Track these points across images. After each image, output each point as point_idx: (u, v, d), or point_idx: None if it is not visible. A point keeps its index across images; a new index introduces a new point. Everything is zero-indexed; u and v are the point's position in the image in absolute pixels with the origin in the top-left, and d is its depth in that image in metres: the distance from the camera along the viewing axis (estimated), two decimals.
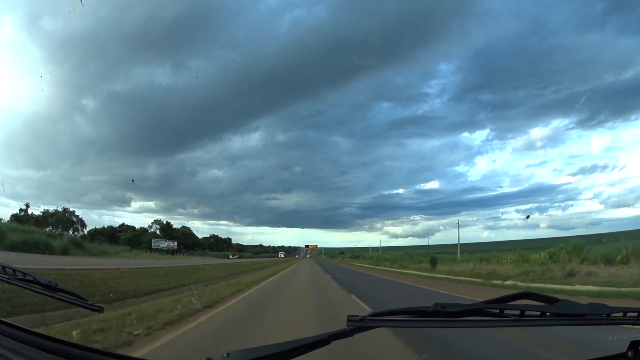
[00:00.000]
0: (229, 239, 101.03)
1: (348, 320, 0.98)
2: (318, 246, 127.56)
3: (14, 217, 51.70)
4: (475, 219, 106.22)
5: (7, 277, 1.28)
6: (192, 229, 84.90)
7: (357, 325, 0.98)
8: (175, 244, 70.51)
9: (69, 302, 1.33)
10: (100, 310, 1.33)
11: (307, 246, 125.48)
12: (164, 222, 77.61)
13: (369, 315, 1.00)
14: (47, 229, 46.91)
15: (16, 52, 49.74)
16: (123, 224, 72.18)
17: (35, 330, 1.06)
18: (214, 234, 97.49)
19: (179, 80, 70.62)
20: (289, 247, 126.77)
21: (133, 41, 55.39)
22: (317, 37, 69.16)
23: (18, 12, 57.13)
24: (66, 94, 61.96)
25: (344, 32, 60.59)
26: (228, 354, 0.93)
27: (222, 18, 67.93)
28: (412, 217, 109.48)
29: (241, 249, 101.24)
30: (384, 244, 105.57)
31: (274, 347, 0.94)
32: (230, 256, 75.48)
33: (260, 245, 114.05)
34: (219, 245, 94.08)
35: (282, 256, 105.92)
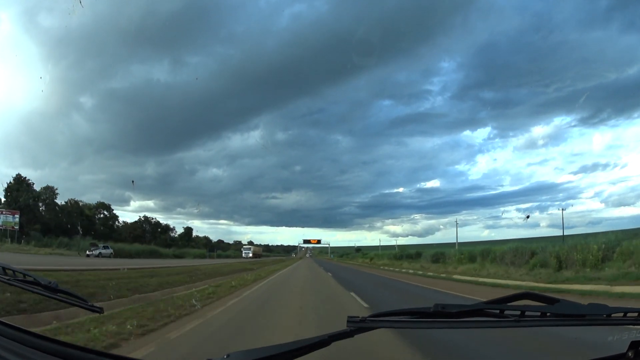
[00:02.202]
0: (190, 230, 70.00)
1: (348, 321, 0.98)
2: (322, 241, 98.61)
3: None
4: (475, 217, 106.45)
5: (8, 278, 1.28)
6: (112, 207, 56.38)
7: (358, 327, 0.98)
8: (16, 218, 39.00)
9: (69, 303, 1.33)
10: (100, 311, 1.33)
11: (306, 242, 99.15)
12: (13, 179, 44.00)
13: (369, 316, 1.00)
14: None
15: (13, 49, 49.57)
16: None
17: (33, 330, 1.06)
18: (146, 216, 64.50)
19: (178, 77, 70.41)
20: (288, 245, 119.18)
21: (131, 37, 55.00)
22: (317, 33, 68.96)
23: (15, 8, 56.77)
24: (63, 92, 61.37)
25: (345, 27, 60.46)
26: (228, 355, 0.93)
27: (221, 13, 67.60)
28: (412, 216, 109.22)
29: (208, 244, 73.35)
30: (384, 243, 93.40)
31: (274, 349, 0.94)
32: (89, 252, 35.95)
33: (250, 243, 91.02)
34: (158, 236, 61.71)
35: (250, 256, 68.10)
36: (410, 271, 30.38)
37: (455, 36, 75.65)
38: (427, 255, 34.73)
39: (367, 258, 61.57)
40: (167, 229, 66.91)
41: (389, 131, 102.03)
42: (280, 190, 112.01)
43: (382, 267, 39.83)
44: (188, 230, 71.42)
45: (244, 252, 73.73)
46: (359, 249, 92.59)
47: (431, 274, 25.80)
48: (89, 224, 51.08)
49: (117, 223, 59.07)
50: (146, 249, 49.44)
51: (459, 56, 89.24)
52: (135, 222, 62.38)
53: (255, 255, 72.18)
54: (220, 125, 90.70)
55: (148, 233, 61.88)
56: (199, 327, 5.95)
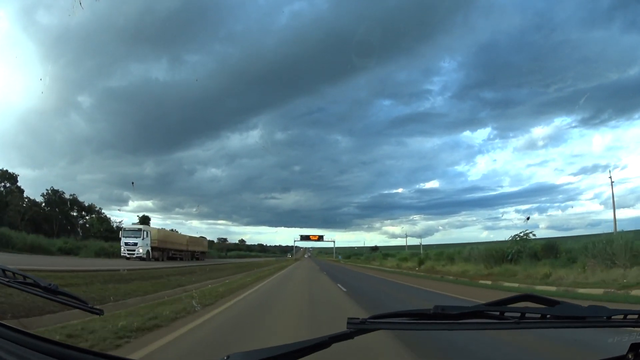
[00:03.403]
0: (146, 219, 46.90)
1: (348, 323, 0.98)
2: (324, 237, 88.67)
3: None
4: (474, 219, 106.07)
5: (7, 280, 1.28)
6: None
7: (358, 328, 0.98)
8: None
9: (69, 305, 1.33)
10: (100, 313, 1.33)
11: (304, 238, 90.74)
12: None
13: (370, 318, 1.00)
14: None
15: (10, 47, 49.43)
16: None
17: (30, 331, 1.06)
18: (54, 188, 41.04)
19: (176, 76, 70.01)
20: (286, 246, 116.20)
21: (129, 35, 54.43)
22: (317, 31, 68.83)
23: (13, 6, 56.39)
24: (61, 91, 60.69)
25: (345, 26, 60.28)
26: (228, 357, 0.93)
27: (220, 11, 67.18)
28: (411, 217, 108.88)
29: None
30: (383, 244, 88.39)
31: (274, 350, 0.94)
32: None
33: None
34: (76, 221, 41.77)
35: (140, 252, 29.40)
36: None
37: (456, 35, 75.66)
38: (581, 252, 15.59)
39: (410, 261, 35.25)
40: (90, 209, 42.82)
41: (389, 131, 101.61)
42: (279, 191, 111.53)
43: (492, 284, 16.56)
44: (144, 219, 46.84)
45: (124, 242, 31.02)
46: (375, 248, 79.77)
47: None
48: None
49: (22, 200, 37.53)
50: None
51: (459, 55, 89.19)
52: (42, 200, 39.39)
53: (161, 247, 33.02)
54: (219, 125, 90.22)
55: (58, 216, 39.35)
56: None
